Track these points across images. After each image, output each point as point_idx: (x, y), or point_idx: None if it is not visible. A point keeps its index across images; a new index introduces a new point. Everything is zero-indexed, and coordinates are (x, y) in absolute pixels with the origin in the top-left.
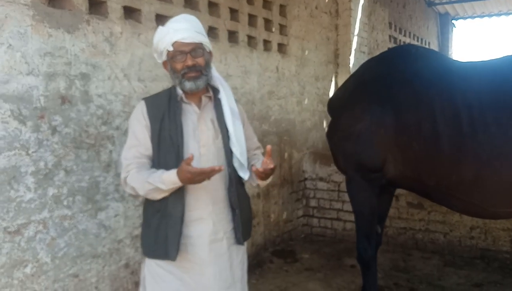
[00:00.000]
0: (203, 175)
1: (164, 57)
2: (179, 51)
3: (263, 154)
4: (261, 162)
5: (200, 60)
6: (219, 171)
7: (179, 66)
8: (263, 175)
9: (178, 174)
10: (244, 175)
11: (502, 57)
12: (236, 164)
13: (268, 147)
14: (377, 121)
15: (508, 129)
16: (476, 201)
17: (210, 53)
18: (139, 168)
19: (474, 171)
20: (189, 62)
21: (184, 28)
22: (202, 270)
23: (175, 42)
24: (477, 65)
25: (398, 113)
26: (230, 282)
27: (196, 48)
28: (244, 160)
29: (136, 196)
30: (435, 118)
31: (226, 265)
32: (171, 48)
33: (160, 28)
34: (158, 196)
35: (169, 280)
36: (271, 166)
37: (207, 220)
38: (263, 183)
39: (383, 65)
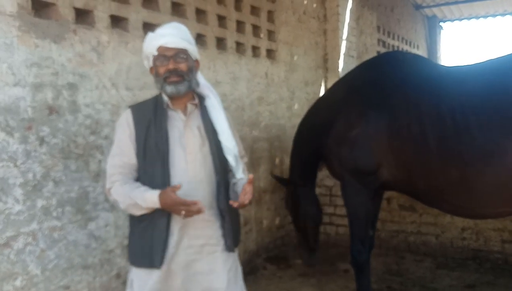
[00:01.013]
0: (184, 207)
1: (150, 62)
2: (163, 55)
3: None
4: (241, 189)
5: (183, 66)
6: (199, 211)
7: (161, 70)
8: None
9: (160, 196)
10: (238, 173)
11: (485, 61)
12: (232, 161)
13: (250, 176)
14: (371, 127)
15: (489, 132)
16: (463, 202)
17: (196, 61)
18: (124, 180)
19: (459, 173)
20: (171, 66)
21: (170, 34)
22: (174, 275)
23: (160, 46)
24: (462, 69)
25: (390, 118)
26: (211, 288)
27: (180, 54)
28: (238, 162)
29: None
30: (423, 122)
31: (203, 271)
32: (155, 53)
33: (149, 33)
34: (137, 212)
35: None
36: (246, 201)
37: (190, 226)
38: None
39: (375, 71)
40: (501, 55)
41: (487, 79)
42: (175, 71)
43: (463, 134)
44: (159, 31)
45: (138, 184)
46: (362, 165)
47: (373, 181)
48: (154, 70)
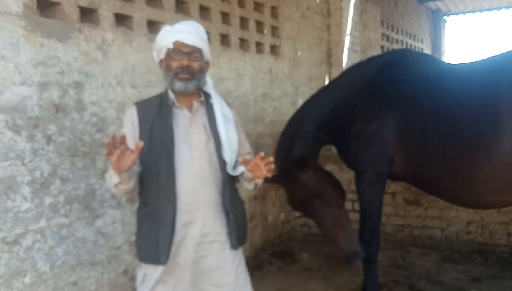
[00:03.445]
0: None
1: (162, 55)
2: (178, 50)
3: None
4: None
5: (196, 65)
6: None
7: (174, 64)
8: (255, 168)
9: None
10: (234, 172)
11: (483, 59)
12: (228, 169)
13: (261, 153)
14: (386, 122)
15: (480, 126)
16: (460, 191)
17: (207, 63)
18: None
19: (454, 163)
20: (185, 62)
21: (188, 31)
22: (184, 271)
23: (176, 41)
24: (461, 68)
25: (400, 115)
26: (220, 283)
27: (195, 52)
28: (232, 167)
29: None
30: (424, 116)
31: (212, 267)
32: (171, 46)
33: (166, 26)
34: (113, 180)
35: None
36: (259, 173)
37: (197, 223)
38: (259, 181)
39: (389, 70)
40: (498, 53)
41: (481, 76)
42: (187, 68)
43: (457, 127)
44: (178, 26)
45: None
46: (378, 157)
47: (386, 172)
48: (164, 63)
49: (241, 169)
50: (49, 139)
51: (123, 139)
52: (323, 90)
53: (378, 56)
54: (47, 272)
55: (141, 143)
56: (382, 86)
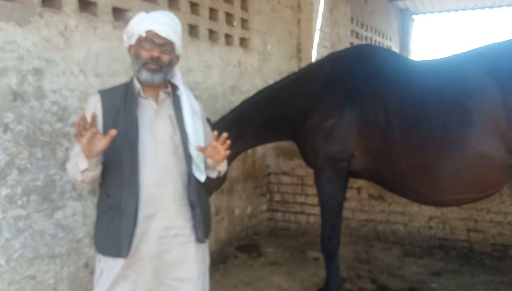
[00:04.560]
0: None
1: (132, 41)
2: (151, 40)
3: None
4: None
5: (166, 58)
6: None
7: (144, 54)
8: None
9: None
10: (201, 176)
11: (448, 56)
12: (193, 166)
13: (215, 132)
14: (345, 117)
15: (446, 122)
16: (424, 189)
17: (177, 57)
18: None
19: (420, 160)
20: (155, 53)
21: (163, 22)
22: (146, 264)
23: (150, 30)
24: (426, 64)
25: (361, 109)
26: (183, 278)
27: (167, 45)
28: (200, 162)
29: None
30: (388, 112)
31: (175, 261)
32: (143, 34)
33: (141, 13)
34: (81, 165)
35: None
36: (216, 156)
37: (159, 216)
38: (222, 167)
39: (349, 64)
40: (464, 51)
41: (448, 73)
42: (157, 59)
43: (423, 124)
44: (154, 15)
45: None
46: (337, 153)
47: (345, 168)
48: (133, 50)
49: (204, 175)
50: (6, 127)
51: (93, 120)
52: (279, 83)
53: (339, 51)
54: (2, 265)
55: (114, 132)
56: (341, 80)
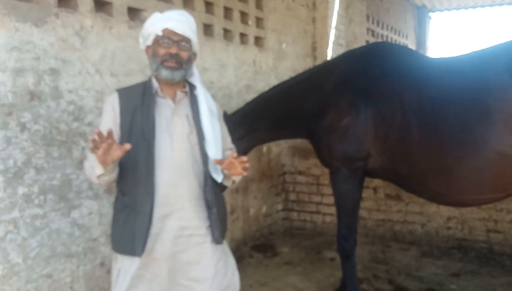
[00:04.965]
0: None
1: (149, 42)
2: (167, 37)
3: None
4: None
5: (184, 54)
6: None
7: (162, 51)
8: (231, 166)
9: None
10: (218, 177)
11: (467, 54)
12: (210, 167)
13: (233, 154)
14: (361, 116)
15: (466, 121)
16: (442, 189)
17: (194, 54)
18: None
19: (439, 159)
20: (173, 50)
21: (179, 20)
22: (161, 265)
23: (166, 28)
24: (445, 61)
25: (377, 108)
26: (198, 278)
27: (184, 41)
28: (214, 167)
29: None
30: (406, 111)
31: (190, 261)
32: (160, 33)
33: (155, 13)
34: (96, 171)
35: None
36: (234, 171)
37: (175, 216)
38: (237, 178)
39: (365, 61)
40: (483, 48)
41: (467, 71)
42: (176, 56)
43: (441, 123)
44: (168, 14)
45: None
46: (352, 152)
47: (361, 167)
48: (150, 50)
49: (221, 176)
50: (23, 127)
51: (110, 135)
52: (293, 78)
53: (355, 49)
54: (19, 263)
55: (129, 146)
56: (357, 78)
